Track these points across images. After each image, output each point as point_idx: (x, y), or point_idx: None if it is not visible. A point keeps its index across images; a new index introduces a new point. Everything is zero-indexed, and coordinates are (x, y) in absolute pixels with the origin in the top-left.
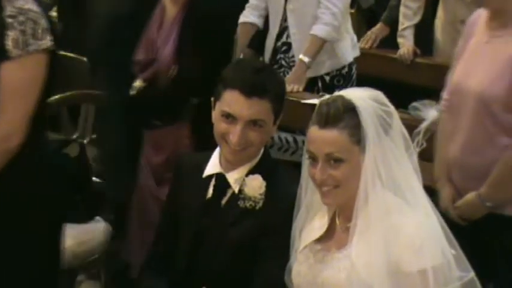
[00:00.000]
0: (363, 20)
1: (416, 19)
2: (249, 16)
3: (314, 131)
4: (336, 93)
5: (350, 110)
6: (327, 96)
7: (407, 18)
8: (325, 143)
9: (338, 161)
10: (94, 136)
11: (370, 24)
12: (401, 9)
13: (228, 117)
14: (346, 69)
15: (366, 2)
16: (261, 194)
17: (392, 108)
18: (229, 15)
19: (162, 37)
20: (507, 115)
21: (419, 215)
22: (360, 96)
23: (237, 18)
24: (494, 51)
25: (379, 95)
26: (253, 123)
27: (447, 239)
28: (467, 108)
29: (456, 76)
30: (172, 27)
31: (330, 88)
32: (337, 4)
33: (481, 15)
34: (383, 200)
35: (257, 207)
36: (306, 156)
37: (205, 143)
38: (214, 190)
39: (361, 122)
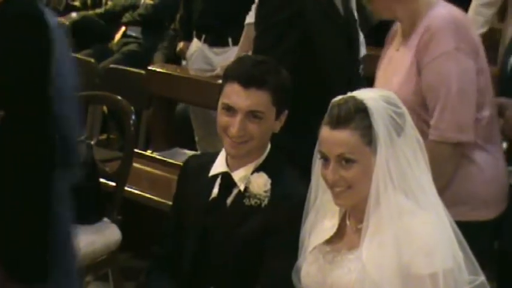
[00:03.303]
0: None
1: (486, 27)
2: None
3: (326, 132)
4: (349, 93)
5: (361, 110)
6: (339, 97)
7: (477, 25)
8: (337, 143)
9: (349, 161)
10: (102, 137)
11: None
12: (472, 15)
13: (229, 109)
14: None
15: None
16: (265, 192)
17: (404, 109)
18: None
19: None
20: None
21: (431, 217)
22: (371, 97)
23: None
24: (401, 58)
25: (392, 95)
26: (253, 114)
27: (458, 242)
28: None
29: (377, 84)
30: None
31: None
32: None
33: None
34: (395, 202)
35: (262, 205)
36: (317, 156)
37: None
38: (219, 189)
39: (372, 123)
